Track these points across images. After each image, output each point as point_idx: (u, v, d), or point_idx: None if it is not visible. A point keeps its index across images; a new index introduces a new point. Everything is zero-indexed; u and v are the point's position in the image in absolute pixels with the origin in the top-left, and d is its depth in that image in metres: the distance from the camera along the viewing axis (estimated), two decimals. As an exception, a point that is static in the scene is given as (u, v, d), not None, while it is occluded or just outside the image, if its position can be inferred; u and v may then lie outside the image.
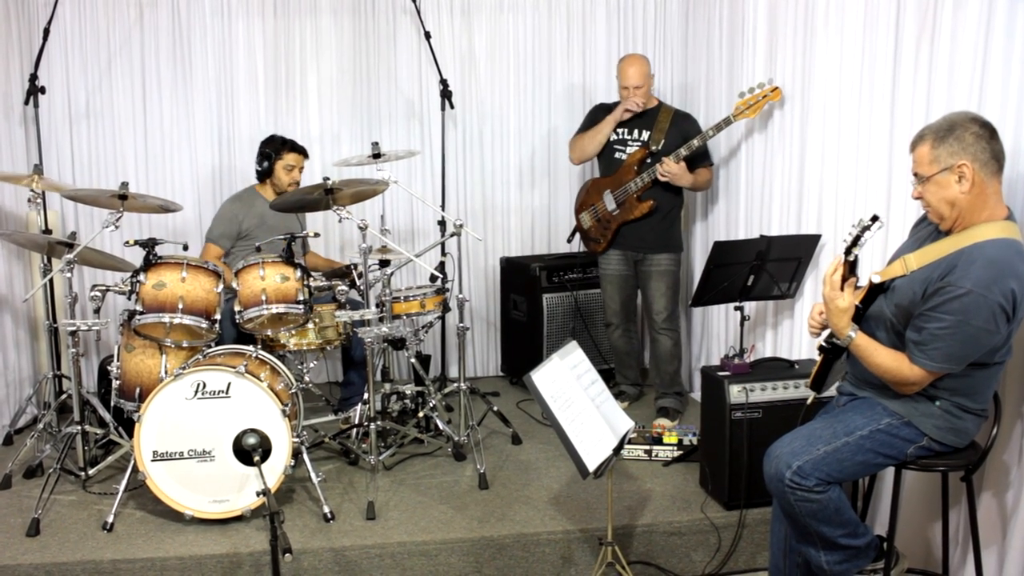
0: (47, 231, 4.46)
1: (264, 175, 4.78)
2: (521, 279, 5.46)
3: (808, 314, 3.01)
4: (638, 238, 4.75)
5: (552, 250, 5.81)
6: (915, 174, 2.69)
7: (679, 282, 4.85)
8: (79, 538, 3.50)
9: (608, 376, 5.11)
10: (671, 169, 4.50)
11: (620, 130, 4.76)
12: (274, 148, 4.76)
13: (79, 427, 3.85)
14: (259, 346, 3.98)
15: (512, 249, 5.80)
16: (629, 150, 4.73)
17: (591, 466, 2.87)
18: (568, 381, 3.04)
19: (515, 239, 5.82)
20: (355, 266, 4.35)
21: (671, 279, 4.75)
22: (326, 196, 3.97)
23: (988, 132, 2.58)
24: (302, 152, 4.82)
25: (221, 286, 3.87)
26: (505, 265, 5.65)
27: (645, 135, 4.70)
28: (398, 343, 4.39)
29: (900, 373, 2.66)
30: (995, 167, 2.59)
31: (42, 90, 4.78)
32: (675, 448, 4.25)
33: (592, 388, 3.15)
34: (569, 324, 5.38)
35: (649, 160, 4.65)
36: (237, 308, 3.94)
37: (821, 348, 2.89)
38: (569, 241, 5.24)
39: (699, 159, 4.64)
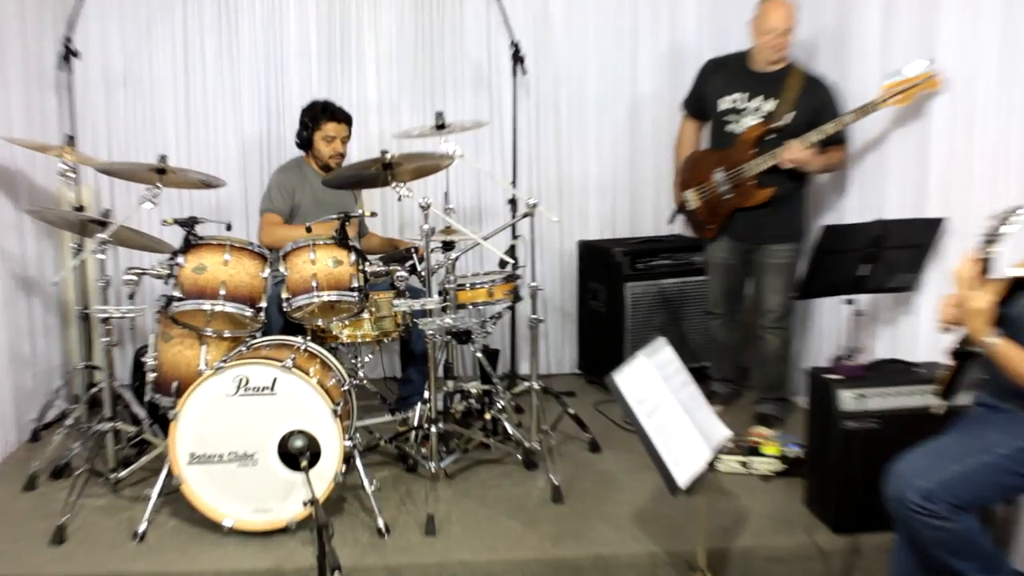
0: (79, 208, 4.48)
1: (303, 147, 4.83)
2: (601, 266, 5.44)
3: (936, 307, 2.87)
4: (754, 226, 4.60)
5: (636, 233, 5.76)
6: None
7: (794, 276, 4.68)
8: (108, 548, 3.51)
9: (703, 376, 5.03)
10: (797, 157, 4.32)
11: (736, 95, 4.56)
12: (312, 116, 4.78)
13: (111, 424, 3.87)
14: (309, 337, 3.97)
15: (591, 232, 5.77)
16: (745, 122, 4.53)
17: (682, 481, 2.80)
18: (656, 383, 2.99)
19: (595, 220, 5.78)
20: (416, 250, 4.32)
21: (789, 273, 4.60)
22: (384, 171, 3.94)
23: None
24: (344, 120, 4.82)
25: (268, 270, 3.89)
26: (583, 250, 5.63)
27: (769, 105, 4.49)
28: (463, 336, 4.37)
29: None
30: None
31: (76, 54, 4.82)
32: (776, 461, 4.15)
33: (683, 391, 3.09)
34: (655, 317, 5.33)
35: (771, 138, 4.45)
36: (285, 295, 3.93)
37: (954, 353, 2.76)
38: (671, 222, 5.12)
39: (832, 137, 4.40)
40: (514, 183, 5.28)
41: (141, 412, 4.10)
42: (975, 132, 3.68)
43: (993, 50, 3.59)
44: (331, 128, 4.76)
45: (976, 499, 2.62)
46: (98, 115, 5.22)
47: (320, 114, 4.75)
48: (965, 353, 2.73)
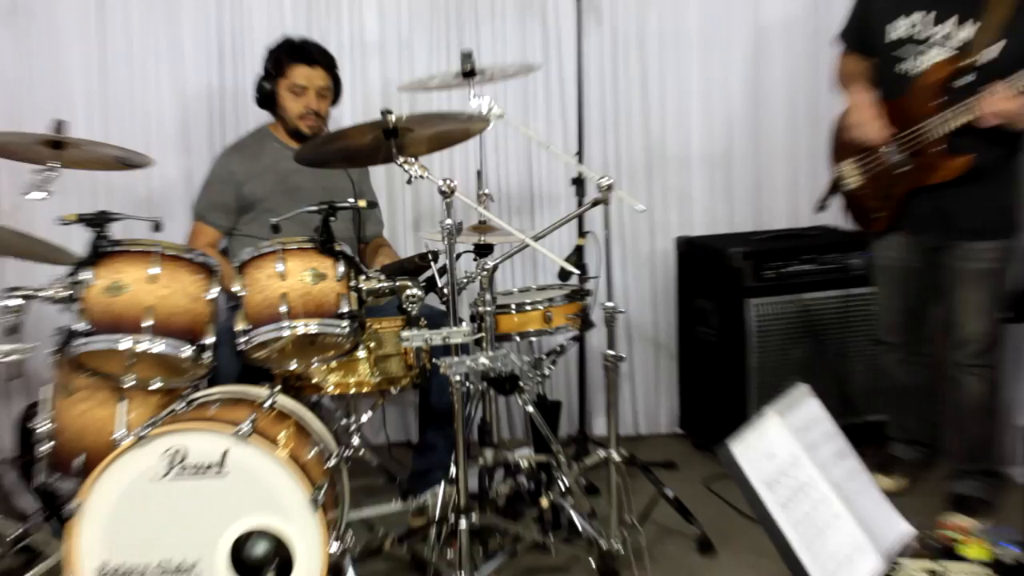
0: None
1: (265, 105, 4.89)
2: (711, 273, 5.47)
3: None
4: (942, 213, 4.54)
5: (763, 225, 5.80)
6: None
7: (1004, 289, 4.66)
8: None
9: (869, 437, 4.90)
10: (1005, 109, 4.22)
11: (916, 16, 4.50)
12: (274, 60, 4.85)
13: (-19, 521, 3.85)
14: (278, 388, 3.96)
15: (696, 224, 5.86)
16: (928, 57, 4.47)
17: None
18: (794, 454, 2.95)
19: (700, 209, 5.90)
20: (434, 255, 4.28)
21: (994, 284, 4.55)
22: (387, 140, 3.89)
23: None
24: (320, 62, 4.89)
25: (216, 289, 3.87)
26: (685, 250, 5.69)
27: (965, 31, 4.41)
28: (507, 383, 4.36)
29: None
30: None
31: None
32: (984, 568, 3.99)
33: (837, 466, 3.05)
34: (794, 350, 5.31)
35: (966, 81, 4.36)
36: (241, 326, 3.89)
37: None
38: (821, 208, 5.06)
39: None
40: (580, 155, 5.29)
41: (29, 502, 4.10)
42: None
43: None
44: (300, 74, 4.81)
45: None
46: None
47: (285, 56, 4.80)
48: None
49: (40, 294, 3.73)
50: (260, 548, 3.43)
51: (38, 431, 3.89)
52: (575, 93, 5.37)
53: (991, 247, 4.50)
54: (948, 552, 4.09)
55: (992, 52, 4.31)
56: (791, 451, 2.94)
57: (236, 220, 4.80)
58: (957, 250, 4.53)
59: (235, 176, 4.80)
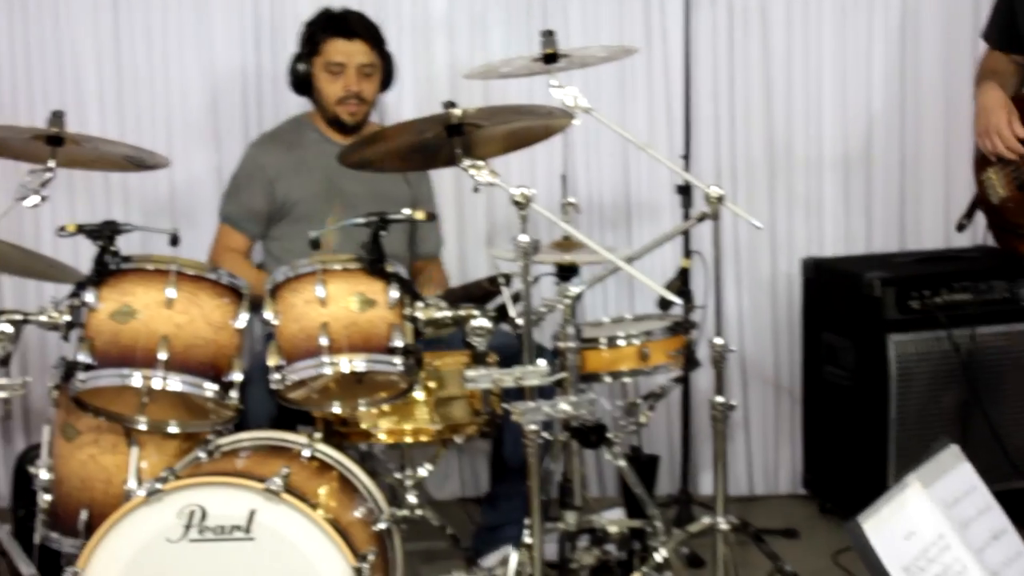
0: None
1: (301, 90, 4.91)
2: (844, 303, 5.47)
3: None
4: None
5: (909, 245, 5.79)
6: None
7: None
8: None
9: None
10: None
11: None
12: (309, 35, 4.88)
13: (-28, 584, 3.89)
14: (317, 435, 3.98)
15: (826, 244, 5.88)
16: None
17: None
18: (940, 534, 2.92)
19: (832, 224, 5.89)
20: (507, 279, 4.26)
21: None
22: (451, 138, 3.89)
23: None
24: (362, 34, 4.90)
25: (246, 316, 3.89)
26: (812, 274, 5.67)
27: None
28: (593, 433, 4.32)
29: None
30: None
31: None
32: None
33: (993, 549, 3.00)
34: (945, 397, 5.26)
35: None
36: (275, 360, 3.89)
37: None
38: (962, 227, 5.09)
39: None
40: (687, 159, 5.29)
41: (26, 567, 4.06)
42: None
43: None
44: (337, 49, 4.84)
45: None
46: None
47: (319, 29, 4.84)
48: None
49: (35, 318, 3.75)
50: None
51: (37, 480, 3.92)
52: (682, 82, 5.36)
53: None
54: None
55: None
56: (937, 530, 2.91)
57: (267, 226, 4.83)
58: None
59: (265, 171, 4.83)
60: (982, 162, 4.83)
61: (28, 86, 5.35)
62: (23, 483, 4.44)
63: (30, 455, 4.32)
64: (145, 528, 3.52)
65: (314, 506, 3.56)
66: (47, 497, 3.93)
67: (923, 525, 2.88)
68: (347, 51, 4.82)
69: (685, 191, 5.15)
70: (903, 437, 5.14)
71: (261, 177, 4.82)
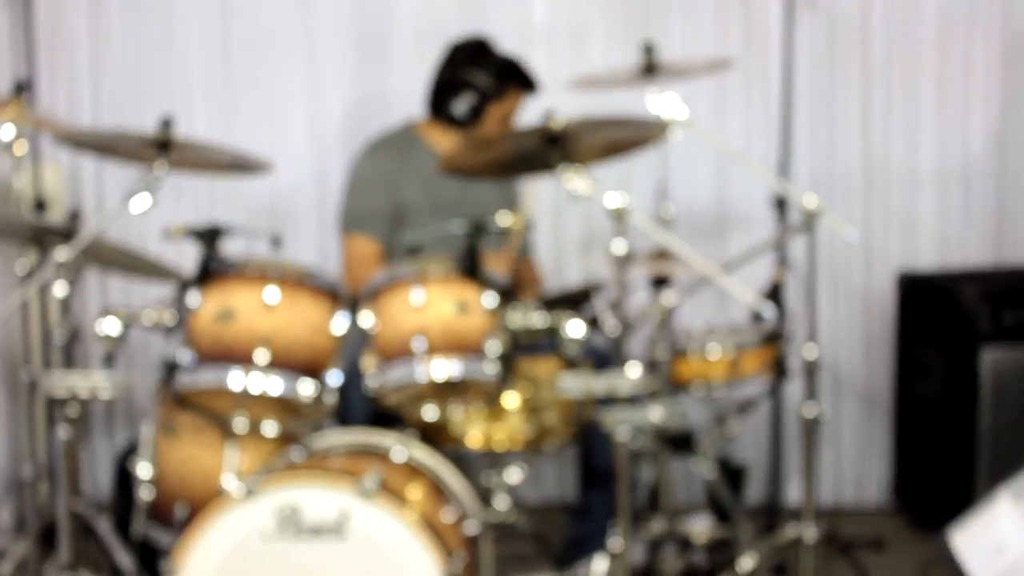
0: (39, 206, 4.61)
1: (460, 120, 4.86)
2: (939, 316, 5.46)
3: None
4: None
5: (1006, 259, 5.82)
6: None
7: None
8: None
9: None
10: None
11: None
12: (491, 77, 4.84)
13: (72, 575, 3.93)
14: (411, 438, 4.00)
15: (921, 256, 5.84)
16: None
17: None
18: None
19: (929, 237, 5.86)
20: (600, 288, 4.29)
21: None
22: (549, 147, 3.91)
23: None
24: (533, 87, 4.93)
25: (344, 320, 3.93)
26: (907, 287, 5.68)
27: None
28: (683, 442, 4.43)
29: None
30: None
31: None
32: None
33: None
34: None
35: None
36: (371, 365, 3.94)
37: None
38: None
39: None
40: (783, 171, 5.24)
41: (125, 558, 4.14)
42: None
43: None
44: (515, 102, 4.88)
45: None
46: (78, 48, 5.40)
47: (507, 77, 4.85)
48: None
49: (139, 318, 3.81)
50: None
51: (138, 475, 3.94)
52: (780, 95, 5.28)
53: None
54: None
55: None
56: None
57: (392, 230, 4.83)
58: None
59: (389, 176, 4.84)
60: None
61: (139, 89, 5.41)
62: (124, 478, 4.47)
63: (129, 452, 4.38)
64: (240, 526, 3.54)
65: (406, 507, 3.58)
66: (147, 492, 3.92)
67: (1013, 538, 2.87)
68: (520, 104, 4.89)
69: (780, 204, 5.09)
70: (993, 452, 5.12)
71: (385, 181, 4.84)
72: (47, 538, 4.47)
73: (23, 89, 4.50)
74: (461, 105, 4.80)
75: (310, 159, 5.49)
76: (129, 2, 5.37)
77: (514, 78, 4.88)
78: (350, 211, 4.88)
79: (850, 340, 5.77)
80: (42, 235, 4.16)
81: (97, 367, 3.88)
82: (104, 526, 4.23)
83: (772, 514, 5.25)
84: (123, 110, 5.37)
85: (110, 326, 3.78)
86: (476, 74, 4.82)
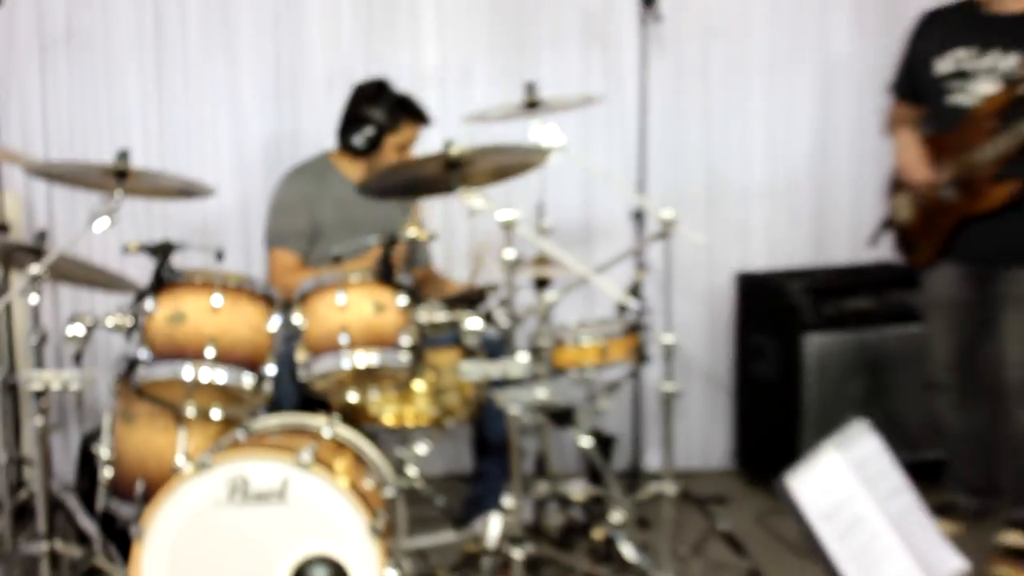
0: (2, 228, 4.63)
1: (361, 150, 4.89)
2: (770, 309, 5.58)
3: None
4: (989, 241, 4.62)
5: (823, 260, 5.86)
6: None
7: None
8: None
9: (927, 474, 4.98)
10: None
11: (962, 52, 4.61)
12: (388, 112, 4.87)
13: (46, 545, 3.90)
14: (336, 419, 4.04)
15: (755, 259, 5.90)
16: (979, 88, 4.58)
17: None
18: (852, 490, 2.99)
19: (760, 243, 5.93)
20: (493, 288, 4.38)
21: None
22: (448, 172, 3.97)
23: None
24: (425, 120, 4.96)
25: (277, 320, 3.97)
26: (743, 286, 5.78)
27: (1010, 61, 4.51)
28: (563, 416, 4.49)
29: None
30: None
31: None
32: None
33: (894, 502, 3.08)
34: (852, 387, 5.38)
35: (1017, 109, 4.45)
36: (301, 357, 4.00)
37: None
38: (874, 242, 5.14)
39: None
40: (640, 188, 5.31)
41: (91, 527, 4.18)
42: None
43: None
44: (410, 133, 4.92)
45: None
46: (30, 90, 5.35)
47: (400, 112, 4.88)
48: None
49: (104, 323, 3.82)
50: (320, 573, 3.51)
51: (100, 457, 3.97)
52: (636, 124, 5.33)
53: None
54: None
55: None
56: (848, 486, 2.96)
57: (310, 245, 4.84)
58: (1009, 277, 4.60)
59: (307, 199, 4.86)
60: (894, 188, 4.91)
61: (84, 127, 5.37)
62: (87, 460, 4.50)
63: (92, 437, 4.42)
64: (197, 495, 3.58)
65: (336, 476, 3.64)
66: (108, 472, 3.96)
67: (837, 482, 2.97)
68: (416, 134, 4.92)
69: (638, 216, 5.17)
70: (817, 419, 5.26)
71: (303, 203, 4.85)
72: (20, 514, 4.48)
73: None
74: (361, 137, 4.83)
75: (235, 186, 5.46)
76: (75, 53, 5.32)
77: (407, 112, 4.89)
78: (274, 229, 4.91)
79: (698, 329, 5.82)
80: (11, 253, 4.19)
81: (65, 365, 3.91)
82: (72, 500, 4.29)
83: (636, 476, 5.33)
84: (72, 146, 5.33)
85: (77, 329, 3.79)
86: (373, 110, 4.84)
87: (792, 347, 5.36)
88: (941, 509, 4.90)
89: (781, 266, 5.81)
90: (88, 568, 4.13)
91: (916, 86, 4.81)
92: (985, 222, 4.57)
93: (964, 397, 4.93)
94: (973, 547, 4.30)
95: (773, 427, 5.48)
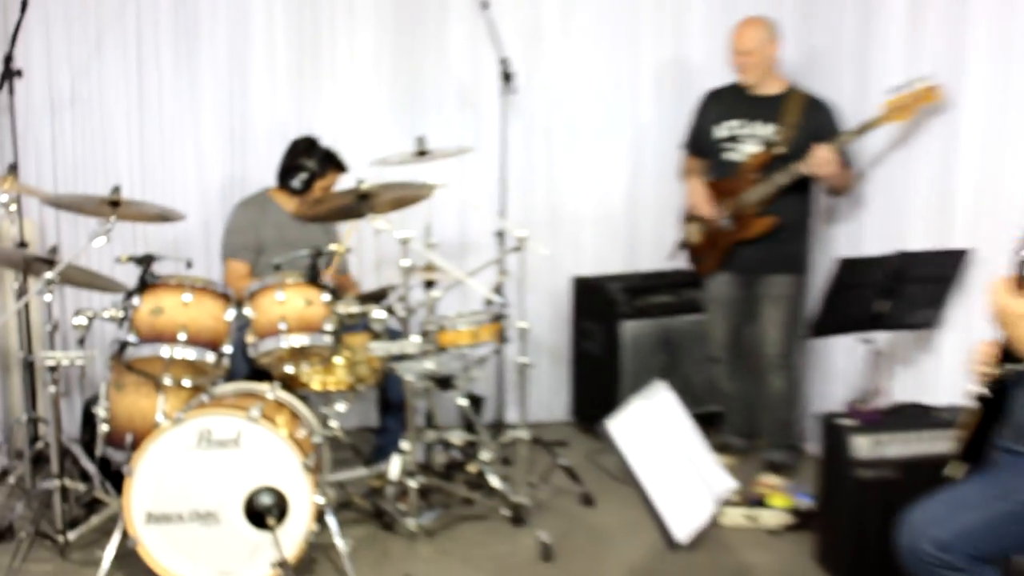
0: (22, 244, 4.58)
1: (296, 188, 4.88)
2: (596, 303, 5.54)
3: (969, 355, 2.93)
4: (753, 258, 4.77)
5: (635, 268, 5.85)
6: None
7: (799, 310, 4.84)
8: (56, 617, 3.56)
9: (706, 423, 5.11)
10: (826, 158, 4.38)
11: (734, 122, 4.76)
12: (318, 163, 4.87)
13: (58, 482, 3.93)
14: (276, 385, 4.04)
15: (586, 267, 5.83)
16: (745, 149, 4.72)
17: (681, 535, 2.90)
18: (653, 430, 3.10)
19: (590, 254, 5.86)
20: (394, 288, 4.41)
21: (788, 306, 4.77)
22: (360, 203, 4.05)
23: None
24: (345, 170, 4.98)
25: (232, 312, 3.98)
26: (577, 286, 5.73)
27: (768, 130, 4.67)
28: (445, 382, 4.53)
29: None
30: None
31: (18, 73, 4.83)
32: (785, 513, 4.25)
33: (683, 439, 3.19)
34: (656, 359, 5.41)
35: (773, 165, 4.62)
36: (250, 339, 4.04)
37: (982, 397, 2.84)
38: (672, 256, 5.29)
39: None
40: (502, 213, 5.33)
41: (92, 468, 4.16)
42: (1007, 153, 3.80)
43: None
44: (333, 179, 4.91)
45: (995, 549, 2.69)
46: (43, 141, 5.26)
47: (327, 163, 4.88)
48: (999, 392, 2.82)
49: (100, 314, 3.86)
50: (266, 499, 3.54)
51: (98, 416, 3.99)
52: (499, 168, 5.35)
53: (787, 279, 4.74)
54: (760, 502, 4.36)
55: (787, 146, 4.59)
56: (651, 427, 3.06)
57: (256, 258, 4.81)
58: (764, 282, 4.76)
59: (253, 223, 4.82)
60: (687, 218, 5.00)
61: (83, 168, 5.29)
62: (88, 419, 4.49)
63: (92, 401, 4.40)
64: (172, 442, 3.61)
65: (277, 427, 3.68)
66: (105, 427, 3.98)
67: (644, 424, 3.05)
68: (337, 179, 4.93)
69: (500, 235, 5.14)
70: (630, 383, 5.23)
71: (251, 226, 4.82)
72: (37, 460, 4.45)
73: (14, 169, 4.51)
74: (298, 181, 4.82)
75: (199, 213, 5.35)
76: (77, 112, 5.25)
77: (332, 164, 4.89)
78: (228, 245, 4.88)
79: (544, 318, 5.75)
80: (29, 263, 4.15)
81: (71, 347, 3.89)
82: (77, 449, 4.26)
83: (499, 426, 5.34)
84: (75, 183, 5.25)
85: (80, 320, 3.84)
86: (308, 160, 4.82)
87: (612, 331, 5.39)
88: (719, 447, 4.97)
89: (604, 272, 5.79)
90: (90, 499, 4.16)
91: (701, 145, 4.92)
92: (750, 244, 4.73)
93: (734, 368, 5.06)
94: (742, 474, 4.49)
95: (599, 389, 5.49)
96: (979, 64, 3.95)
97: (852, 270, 3.96)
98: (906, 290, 3.98)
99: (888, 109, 4.23)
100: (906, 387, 4.35)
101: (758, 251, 4.73)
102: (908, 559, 2.76)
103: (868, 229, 4.75)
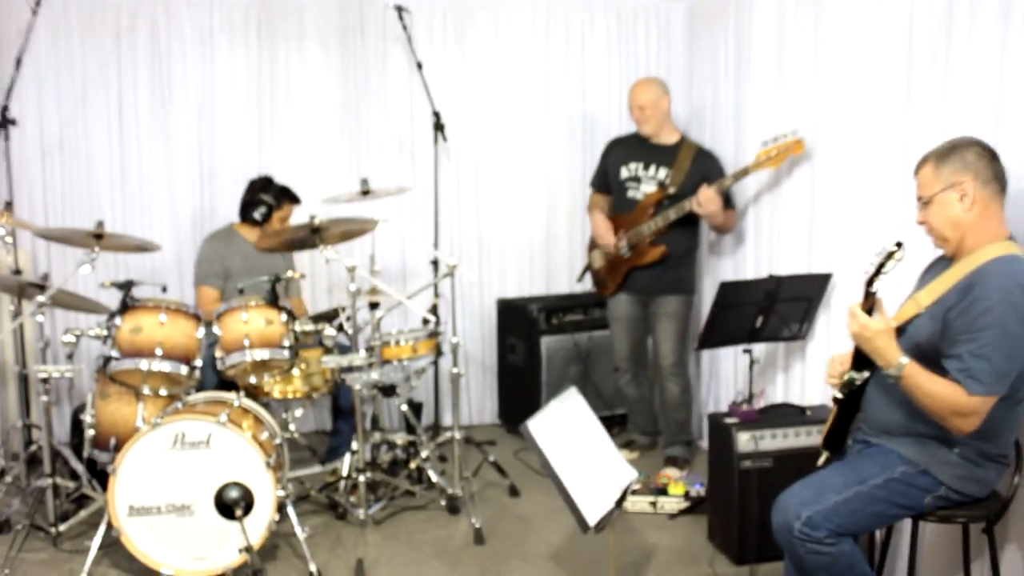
0: (17, 272, 4.51)
1: (257, 221, 4.85)
2: (518, 322, 5.54)
3: (825, 363, 3.02)
4: (649, 282, 4.83)
5: (551, 291, 5.89)
6: (919, 199, 2.82)
7: (688, 326, 4.91)
8: (49, 599, 3.51)
9: (615, 423, 5.19)
10: (710, 197, 4.47)
11: (634, 165, 4.83)
12: (275, 197, 4.84)
13: (50, 480, 3.89)
14: (242, 394, 4.02)
15: (509, 290, 5.88)
16: (644, 188, 4.79)
17: (591, 520, 2.91)
18: (567, 429, 3.10)
19: (512, 279, 5.90)
20: (343, 309, 4.41)
21: (680, 323, 4.83)
22: (313, 235, 4.05)
23: (989, 153, 2.73)
24: (298, 201, 4.95)
25: (202, 331, 3.95)
26: (502, 307, 5.74)
27: (663, 173, 4.76)
28: (388, 390, 4.51)
29: (958, 402, 2.61)
30: (997, 187, 2.73)
31: (13, 122, 4.77)
32: (682, 499, 4.31)
33: (593, 437, 3.19)
34: (570, 369, 5.44)
35: (666, 203, 4.70)
36: (218, 354, 4.01)
37: (837, 399, 2.94)
38: (580, 280, 5.34)
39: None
40: (436, 245, 5.31)
41: (80, 468, 4.12)
42: (856, 193, 3.91)
43: (859, 119, 3.88)
44: (288, 210, 4.88)
45: (854, 525, 2.77)
46: (35, 181, 5.20)
47: (282, 196, 4.85)
48: (851, 393, 2.91)
49: (87, 333, 3.84)
50: (233, 493, 3.53)
51: (85, 422, 3.95)
52: (433, 204, 5.32)
53: (678, 299, 4.82)
54: (662, 490, 4.40)
55: (678, 187, 4.68)
56: (565, 426, 3.06)
57: (224, 283, 4.76)
58: (658, 302, 4.83)
59: (219, 254, 4.78)
60: (592, 246, 5.07)
61: (71, 205, 5.23)
62: (76, 425, 4.45)
63: (80, 409, 4.33)
64: (151, 444, 3.59)
65: (243, 430, 3.66)
66: (91, 432, 3.94)
67: (558, 423, 3.05)
68: (292, 211, 4.90)
69: (435, 263, 5.15)
70: (548, 390, 5.32)
71: (218, 257, 4.78)
72: (31, 461, 4.42)
73: (10, 206, 4.46)
74: (258, 213, 4.79)
75: (173, 244, 5.32)
76: (65, 156, 5.19)
77: (287, 197, 4.86)
78: (199, 274, 4.83)
79: (475, 334, 5.78)
80: (24, 288, 4.11)
81: (60, 362, 3.85)
82: (67, 451, 4.22)
83: (437, 428, 5.30)
84: (63, 218, 5.19)
85: (69, 338, 3.80)
86: (266, 195, 4.80)
87: (533, 345, 5.40)
88: (625, 444, 5.16)
89: (525, 294, 5.83)
90: (79, 495, 4.13)
91: (607, 184, 4.99)
92: (646, 269, 4.81)
93: (636, 375, 5.10)
94: (645, 466, 4.57)
95: (522, 395, 5.51)
96: (831, 119, 4.08)
97: (733, 292, 4.04)
98: (778, 308, 4.07)
99: (761, 158, 4.36)
100: (780, 390, 4.47)
101: (652, 275, 4.81)
102: (781, 535, 2.83)
103: (746, 257, 4.85)
